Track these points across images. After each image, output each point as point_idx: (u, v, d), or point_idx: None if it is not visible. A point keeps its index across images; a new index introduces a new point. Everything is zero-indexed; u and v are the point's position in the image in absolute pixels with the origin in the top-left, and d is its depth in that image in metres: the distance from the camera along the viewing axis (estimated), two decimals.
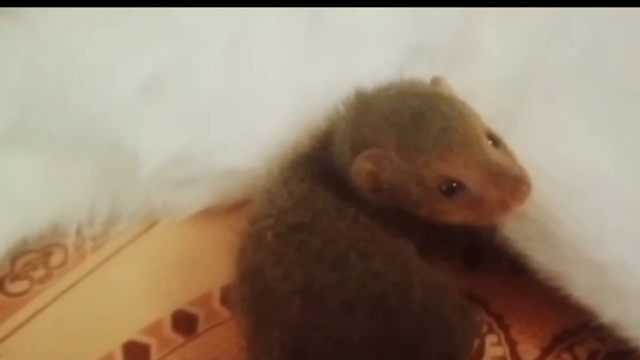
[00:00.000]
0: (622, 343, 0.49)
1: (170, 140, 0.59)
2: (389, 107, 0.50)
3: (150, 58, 0.58)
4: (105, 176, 0.62)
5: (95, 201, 0.64)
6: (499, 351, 0.55)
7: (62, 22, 0.59)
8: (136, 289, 0.62)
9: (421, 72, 0.55)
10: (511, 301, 0.57)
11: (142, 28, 0.58)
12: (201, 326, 0.59)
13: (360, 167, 0.49)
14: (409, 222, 0.50)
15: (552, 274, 0.51)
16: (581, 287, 0.50)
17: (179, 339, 0.58)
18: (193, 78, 0.58)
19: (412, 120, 0.49)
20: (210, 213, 0.64)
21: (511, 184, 0.48)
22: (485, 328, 0.56)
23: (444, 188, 0.48)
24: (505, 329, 0.56)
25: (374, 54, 0.59)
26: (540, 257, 0.51)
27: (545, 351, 0.54)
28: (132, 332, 0.59)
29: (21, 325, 0.61)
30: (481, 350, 0.55)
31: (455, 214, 0.49)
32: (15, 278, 0.64)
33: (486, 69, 0.56)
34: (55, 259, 0.65)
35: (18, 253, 0.65)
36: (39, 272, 0.64)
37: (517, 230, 0.52)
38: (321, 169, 0.53)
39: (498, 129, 0.50)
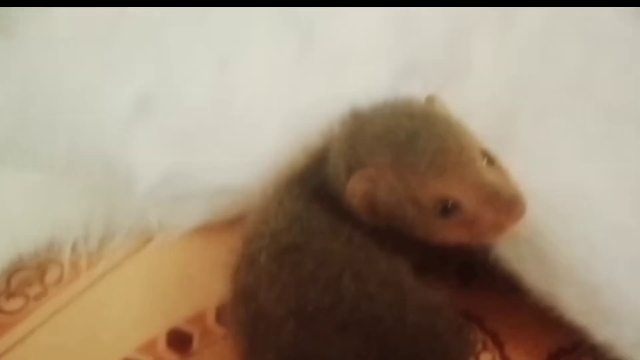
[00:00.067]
0: None
1: (164, 158, 0.59)
2: (384, 127, 0.51)
3: (142, 76, 0.58)
4: (99, 194, 0.62)
5: (89, 218, 0.63)
6: None
7: (52, 41, 0.59)
8: (131, 306, 0.62)
9: (414, 91, 0.55)
10: (506, 318, 0.57)
11: (133, 47, 0.58)
12: (196, 344, 0.59)
13: (355, 187, 0.49)
14: (404, 242, 0.50)
15: (545, 295, 0.51)
16: (573, 308, 0.50)
17: (173, 357, 0.58)
18: (185, 96, 0.58)
19: (407, 141, 0.49)
20: (205, 230, 0.64)
21: (506, 204, 0.48)
22: (480, 346, 0.56)
23: (439, 208, 0.49)
24: (500, 346, 0.56)
25: (365, 72, 0.58)
26: (533, 277, 0.51)
27: None
28: (127, 350, 0.59)
29: (16, 343, 0.60)
30: None
31: (450, 234, 0.49)
32: (11, 295, 0.63)
33: (478, 88, 0.56)
34: (51, 275, 0.64)
35: (13, 270, 0.64)
36: (35, 289, 0.64)
37: (510, 250, 0.52)
38: (316, 188, 0.53)
39: (490, 149, 0.50)
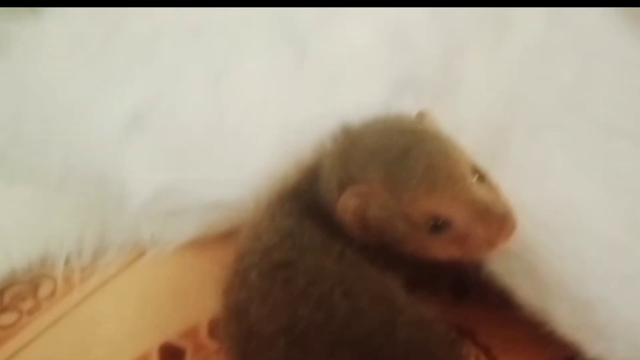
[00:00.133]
0: None
1: (157, 173, 0.59)
2: (375, 144, 0.51)
3: (135, 92, 0.58)
4: (93, 208, 0.62)
5: (82, 233, 0.63)
6: None
7: (46, 56, 0.59)
8: (124, 321, 0.62)
9: (407, 106, 0.55)
10: (499, 333, 0.57)
11: (127, 62, 0.59)
12: (189, 359, 0.59)
13: (347, 204, 0.49)
14: (396, 258, 0.50)
15: (537, 310, 0.51)
16: (565, 323, 0.50)
17: None
18: (178, 111, 0.58)
19: (398, 157, 0.49)
20: (198, 245, 0.64)
21: (497, 221, 0.48)
22: None
23: (430, 225, 0.49)
24: None
25: (359, 87, 0.59)
26: (525, 293, 0.51)
27: None
28: None
29: (10, 358, 0.60)
30: None
31: (442, 250, 0.50)
32: (4, 310, 0.63)
33: (471, 103, 0.56)
34: (44, 290, 0.65)
35: (7, 285, 0.64)
36: (28, 303, 0.64)
37: (502, 265, 0.52)
38: (308, 204, 0.53)
39: (482, 164, 0.50)
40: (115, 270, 0.65)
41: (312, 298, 0.47)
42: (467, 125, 0.54)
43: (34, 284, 0.65)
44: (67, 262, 0.65)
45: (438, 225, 0.48)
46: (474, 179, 0.49)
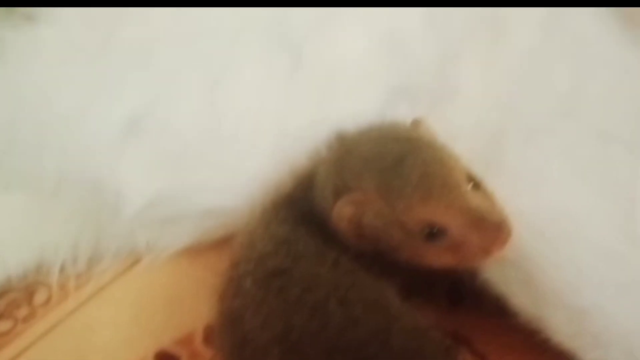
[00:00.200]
0: None
1: (153, 180, 0.59)
2: (370, 151, 0.51)
3: (131, 98, 0.58)
4: (88, 215, 0.62)
5: (77, 240, 0.63)
6: None
7: (41, 63, 0.59)
8: (119, 328, 0.62)
9: (403, 113, 0.55)
10: (495, 340, 0.57)
11: (123, 69, 0.58)
12: None
13: (342, 212, 0.49)
14: (391, 265, 0.50)
15: (533, 318, 0.51)
16: (561, 331, 0.50)
17: None
18: (173, 118, 0.58)
19: (393, 165, 0.49)
20: (193, 252, 0.64)
21: (492, 229, 0.48)
22: None
23: (425, 233, 0.49)
24: None
25: (355, 95, 0.59)
26: (520, 300, 0.51)
27: None
28: None
29: None
30: None
31: (437, 258, 0.50)
32: None
33: (466, 111, 0.57)
34: (39, 297, 0.64)
35: (1, 292, 0.64)
36: (23, 311, 0.64)
37: (497, 273, 0.52)
38: (303, 211, 0.52)
39: (478, 172, 0.51)
40: (110, 277, 0.65)
41: (307, 306, 0.47)
42: (462, 132, 0.54)
43: (29, 292, 0.65)
44: (62, 269, 0.65)
45: (433, 233, 0.49)
46: (469, 187, 0.49)
